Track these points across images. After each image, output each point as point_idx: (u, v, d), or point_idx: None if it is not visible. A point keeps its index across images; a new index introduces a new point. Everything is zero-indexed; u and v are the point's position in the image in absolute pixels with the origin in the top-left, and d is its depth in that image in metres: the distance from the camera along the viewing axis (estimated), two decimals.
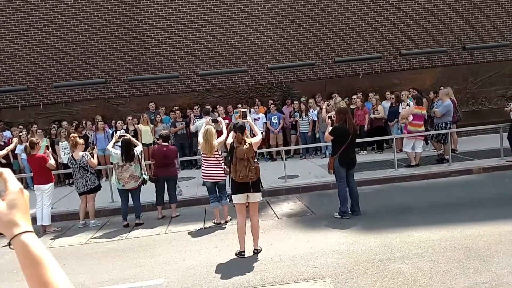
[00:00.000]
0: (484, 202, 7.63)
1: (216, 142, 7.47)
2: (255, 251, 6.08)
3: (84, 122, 12.91)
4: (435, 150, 11.35)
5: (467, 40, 14.93)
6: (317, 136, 13.16)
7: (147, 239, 7.39)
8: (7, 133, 12.60)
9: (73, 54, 13.72)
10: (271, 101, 13.60)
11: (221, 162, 7.69)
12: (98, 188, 8.70)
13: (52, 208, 8.66)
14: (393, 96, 13.06)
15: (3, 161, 10.90)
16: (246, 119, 6.68)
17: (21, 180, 10.72)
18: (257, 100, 13.80)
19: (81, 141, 8.65)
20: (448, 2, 14.81)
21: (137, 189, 8.31)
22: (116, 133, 9.04)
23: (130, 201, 8.35)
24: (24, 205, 1.06)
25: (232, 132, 6.43)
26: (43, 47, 13.61)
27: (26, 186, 10.82)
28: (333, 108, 10.36)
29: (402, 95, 12.48)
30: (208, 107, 11.73)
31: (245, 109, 6.94)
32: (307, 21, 14.37)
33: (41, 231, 8.31)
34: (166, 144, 8.70)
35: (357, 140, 8.66)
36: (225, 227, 7.59)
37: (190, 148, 13.24)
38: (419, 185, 9.50)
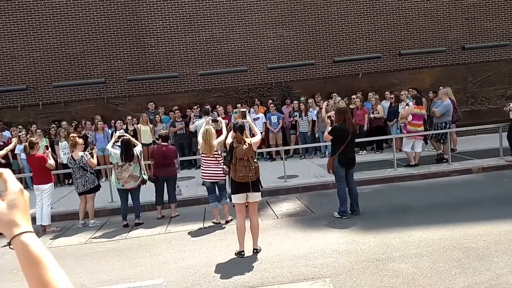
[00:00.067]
0: (484, 201, 7.64)
1: (216, 142, 7.47)
2: (255, 250, 6.08)
3: (83, 122, 12.91)
4: (434, 150, 11.35)
5: (467, 40, 14.94)
6: (316, 136, 13.16)
7: (146, 239, 7.39)
8: (7, 133, 12.59)
9: (72, 54, 13.71)
10: (270, 101, 13.60)
11: (220, 162, 7.69)
12: (97, 188, 8.70)
13: (51, 208, 8.66)
14: (392, 96, 13.06)
15: (3, 161, 10.89)
16: (246, 119, 6.69)
17: (20, 180, 10.71)
18: (256, 100, 13.80)
19: (80, 141, 8.65)
20: (448, 2, 14.82)
21: (137, 189, 8.31)
22: (115, 133, 9.02)
23: (130, 201, 8.35)
24: (24, 205, 1.06)
25: (231, 132, 6.43)
26: (42, 47, 13.61)
27: (26, 186, 10.81)
28: (332, 108, 10.36)
29: (402, 95, 12.49)
30: (208, 107, 11.74)
31: (244, 109, 6.94)
32: (306, 21, 14.37)
33: (40, 231, 8.30)
34: (166, 144, 8.70)
35: (357, 140, 8.66)
36: (225, 227, 7.60)
37: (190, 148, 13.25)
38: (418, 184, 9.51)
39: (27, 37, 13.55)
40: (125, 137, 8.36)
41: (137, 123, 12.72)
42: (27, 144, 8.53)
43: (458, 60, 14.99)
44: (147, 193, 8.90)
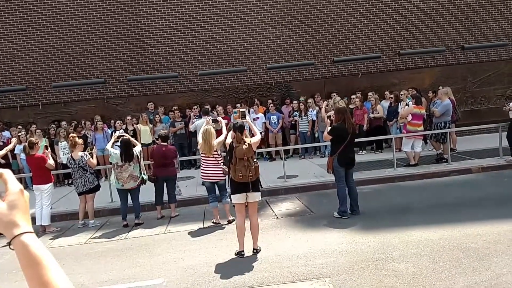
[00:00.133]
0: (483, 201, 7.64)
1: (215, 142, 7.47)
2: (255, 250, 6.08)
3: (83, 122, 12.90)
4: (434, 150, 11.35)
5: (466, 39, 14.95)
6: (316, 135, 13.16)
7: (146, 239, 7.39)
8: (6, 133, 12.59)
9: (72, 54, 13.71)
10: (270, 101, 13.60)
11: (220, 162, 7.69)
12: (97, 188, 8.70)
13: (51, 208, 8.66)
14: (392, 95, 13.07)
15: (2, 161, 10.89)
16: (245, 118, 6.69)
17: (20, 180, 10.71)
18: (256, 99, 13.80)
19: (80, 141, 8.65)
20: (447, 2, 14.82)
21: (136, 189, 8.31)
22: (115, 133, 9.02)
23: (130, 201, 8.35)
24: (24, 206, 1.06)
25: (231, 132, 6.43)
26: (42, 47, 13.60)
27: (26, 186, 10.81)
28: (332, 107, 10.36)
29: (401, 94, 12.49)
30: (207, 107, 11.74)
31: (243, 109, 6.95)
32: (306, 21, 14.37)
33: (40, 231, 8.30)
34: (165, 144, 8.70)
35: (356, 140, 8.66)
36: (225, 227, 7.59)
37: (189, 148, 13.25)
38: (418, 184, 9.51)
39: (26, 37, 13.54)
40: (124, 137, 8.36)
41: (137, 123, 12.73)
42: (26, 144, 8.52)
43: (458, 60, 15.00)
44: (147, 193, 8.90)
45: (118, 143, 8.41)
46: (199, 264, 5.88)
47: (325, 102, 10.41)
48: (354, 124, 8.30)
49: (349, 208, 7.56)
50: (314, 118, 13.02)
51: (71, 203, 9.74)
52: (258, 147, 8.95)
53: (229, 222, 7.72)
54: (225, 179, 7.79)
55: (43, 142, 10.98)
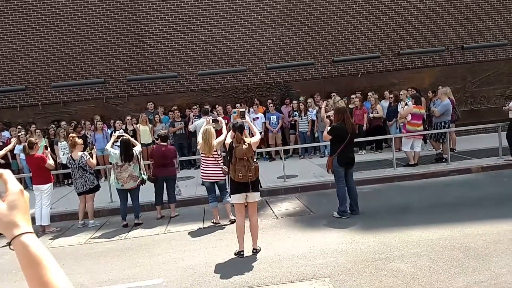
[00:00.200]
0: (483, 201, 7.64)
1: (215, 142, 7.46)
2: (254, 250, 6.08)
3: (82, 122, 12.90)
4: (433, 149, 11.36)
5: (466, 39, 14.95)
6: (316, 135, 13.17)
7: (146, 239, 7.39)
8: (6, 133, 12.59)
9: (71, 54, 13.71)
10: (270, 101, 13.60)
11: (219, 162, 7.69)
12: (97, 188, 8.69)
13: (51, 208, 8.66)
14: (391, 95, 13.07)
15: (2, 161, 10.89)
16: (244, 118, 6.70)
17: (20, 180, 10.69)
18: (256, 99, 13.79)
19: (79, 141, 8.65)
20: (447, 1, 14.83)
21: (136, 189, 8.31)
22: (114, 133, 9.02)
23: (129, 201, 8.35)
24: (24, 206, 1.06)
25: (230, 131, 6.43)
26: (41, 47, 13.60)
27: (25, 187, 10.74)
28: (332, 107, 10.36)
29: (401, 94, 12.50)
30: (207, 107, 11.74)
31: (243, 109, 6.95)
32: (305, 20, 14.37)
33: (40, 231, 8.30)
34: (165, 144, 8.70)
35: (356, 140, 8.67)
36: (224, 227, 7.59)
37: (189, 148, 13.25)
38: (418, 184, 9.51)
39: (26, 37, 13.54)
40: (124, 137, 8.35)
41: (137, 123, 12.73)
42: (26, 144, 8.52)
43: (457, 59, 15.01)
44: (147, 193, 8.90)
45: (118, 143, 8.41)
46: (198, 264, 5.88)
47: (325, 102, 10.42)
48: (353, 124, 8.31)
49: (349, 208, 7.56)
50: (314, 118, 13.02)
51: (71, 203, 9.74)
52: (258, 147, 8.94)
53: (232, 222, 7.64)
54: (225, 179, 7.79)
55: (43, 142, 10.97)
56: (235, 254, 6.06)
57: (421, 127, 10.77)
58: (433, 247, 5.66)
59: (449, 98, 11.27)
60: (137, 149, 8.32)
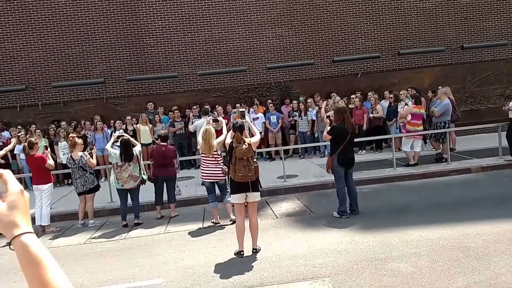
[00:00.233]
0: (483, 201, 7.64)
1: (215, 142, 7.47)
2: (254, 250, 6.08)
3: (82, 122, 12.91)
4: (433, 149, 11.36)
5: (466, 39, 14.95)
6: (316, 135, 13.17)
7: (146, 239, 7.39)
8: (6, 134, 12.59)
9: (71, 54, 13.71)
10: (270, 101, 13.60)
11: (219, 162, 7.69)
12: (97, 188, 8.70)
13: (51, 208, 8.66)
14: (391, 95, 13.07)
15: (2, 161, 10.89)
16: (244, 118, 6.70)
17: (20, 180, 10.69)
18: (256, 99, 13.79)
19: (79, 141, 8.65)
20: (447, 1, 14.83)
21: (136, 189, 8.31)
22: (114, 133, 9.02)
23: (129, 201, 8.35)
24: (24, 206, 1.07)
25: (230, 131, 6.44)
26: (41, 47, 13.60)
27: (25, 187, 10.74)
28: (331, 107, 10.37)
29: (401, 94, 12.50)
30: (207, 107, 11.74)
31: (243, 109, 6.95)
32: (305, 20, 14.37)
33: (40, 231, 8.30)
34: (165, 144, 8.70)
35: (356, 140, 8.68)
36: (224, 227, 7.60)
37: (189, 148, 13.25)
38: (417, 184, 9.51)
39: (26, 37, 13.54)
40: (124, 137, 8.36)
41: (137, 123, 12.73)
42: (26, 144, 8.53)
43: (457, 59, 15.01)
44: (147, 193, 8.90)
45: (118, 143, 8.42)
46: (198, 264, 5.88)
47: (325, 102, 10.42)
48: (353, 124, 8.31)
49: (349, 208, 7.56)
50: (314, 118, 13.02)
51: (71, 203, 9.74)
52: (258, 147, 8.94)
53: (233, 221, 7.57)
54: (225, 179, 7.79)
55: (43, 142, 10.98)
56: (235, 254, 6.06)
57: (421, 127, 10.78)
58: (432, 247, 5.66)
59: (449, 98, 11.28)
60: (137, 149, 8.32)
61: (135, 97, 13.99)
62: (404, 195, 8.72)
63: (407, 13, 14.72)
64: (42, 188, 8.37)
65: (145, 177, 8.37)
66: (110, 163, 8.46)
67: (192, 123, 11.62)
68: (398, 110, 11.98)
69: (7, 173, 1.08)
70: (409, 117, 10.58)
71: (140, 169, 8.23)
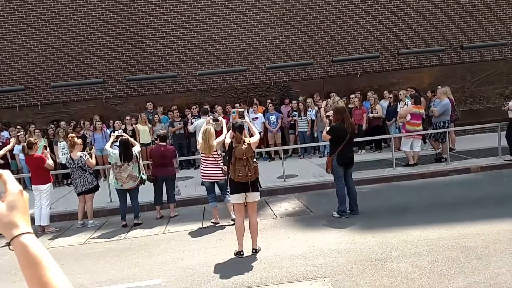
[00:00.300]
0: (482, 201, 7.65)
1: (215, 142, 7.46)
2: (254, 250, 6.08)
3: (82, 122, 12.90)
4: (433, 149, 11.36)
5: (465, 39, 14.96)
6: (315, 135, 13.17)
7: (145, 239, 7.39)
8: (5, 134, 12.58)
9: (71, 54, 13.70)
10: (269, 101, 13.60)
11: (219, 162, 7.69)
12: (96, 188, 8.69)
13: (50, 208, 8.66)
14: (391, 95, 13.08)
15: (1, 161, 10.86)
16: (244, 118, 6.69)
17: (19, 180, 10.70)
18: (255, 99, 13.78)
19: (79, 141, 8.64)
20: (446, 1, 14.83)
21: (136, 189, 8.30)
22: (114, 133, 9.01)
23: (129, 201, 8.34)
24: (23, 207, 1.06)
25: (230, 131, 6.43)
26: (40, 47, 13.59)
27: (24, 187, 10.79)
28: (331, 107, 10.36)
29: (400, 94, 12.51)
30: (207, 106, 11.72)
31: (242, 109, 6.95)
32: (305, 20, 14.37)
33: (39, 231, 8.29)
34: (164, 144, 8.70)
35: (355, 139, 8.67)
36: (224, 227, 7.59)
37: (189, 148, 13.24)
38: (417, 184, 9.52)
39: (25, 37, 13.53)
40: (123, 137, 8.35)
41: (136, 123, 12.72)
42: (25, 144, 8.51)
43: (457, 59, 15.01)
44: (146, 193, 8.89)
45: (117, 143, 8.41)
46: (198, 264, 5.88)
47: (324, 102, 10.42)
48: (353, 124, 8.31)
49: (348, 207, 7.56)
50: (313, 118, 13.02)
51: (70, 203, 9.73)
52: (257, 147, 8.94)
53: (234, 221, 7.61)
54: (225, 179, 7.79)
55: (42, 142, 10.98)
56: (234, 254, 6.06)
57: (421, 127, 10.78)
58: (432, 247, 5.66)
59: (448, 97, 11.28)
60: (136, 149, 8.32)
61: (134, 97, 13.98)
62: (403, 195, 8.72)
63: (406, 13, 14.73)
64: (42, 188, 8.37)
65: (144, 177, 8.36)
66: (110, 163, 8.46)
67: (191, 123, 11.60)
68: (398, 110, 11.99)
69: (6, 173, 1.08)
70: (408, 117, 10.58)
71: (139, 169, 8.23)
